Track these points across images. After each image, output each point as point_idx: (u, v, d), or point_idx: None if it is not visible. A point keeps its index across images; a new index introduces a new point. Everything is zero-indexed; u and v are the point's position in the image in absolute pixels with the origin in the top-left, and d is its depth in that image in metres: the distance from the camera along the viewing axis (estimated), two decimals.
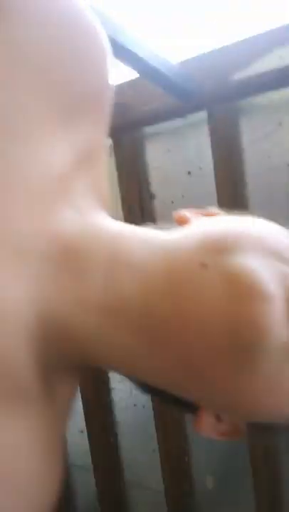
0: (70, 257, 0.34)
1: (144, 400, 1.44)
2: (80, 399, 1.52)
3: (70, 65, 0.37)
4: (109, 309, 0.33)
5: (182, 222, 0.39)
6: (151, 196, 1.38)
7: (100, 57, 0.40)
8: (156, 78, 1.15)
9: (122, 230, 0.37)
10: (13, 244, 0.32)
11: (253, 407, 0.34)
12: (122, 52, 1.03)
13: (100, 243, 0.35)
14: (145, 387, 0.39)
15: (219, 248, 0.33)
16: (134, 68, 1.15)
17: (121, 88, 1.28)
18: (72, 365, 0.37)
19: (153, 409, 1.39)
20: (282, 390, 0.32)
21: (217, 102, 1.21)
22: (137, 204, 1.37)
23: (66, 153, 0.36)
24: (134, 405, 1.51)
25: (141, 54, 1.07)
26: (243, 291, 0.31)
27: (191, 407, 0.37)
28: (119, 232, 0.37)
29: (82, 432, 1.58)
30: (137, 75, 1.22)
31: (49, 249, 0.33)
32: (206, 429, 0.37)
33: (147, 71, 1.12)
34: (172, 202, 1.34)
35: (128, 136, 1.35)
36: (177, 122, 1.29)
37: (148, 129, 1.36)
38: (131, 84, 1.29)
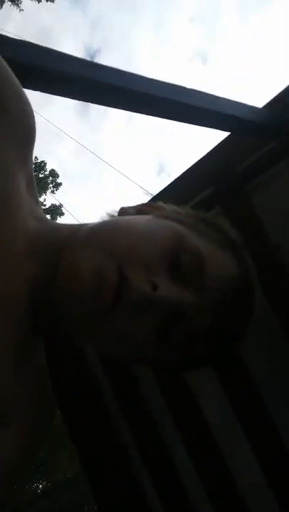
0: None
1: None
2: None
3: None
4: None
5: (119, 214, 0.63)
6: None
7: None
8: (250, 128, 1.10)
9: (54, 223, 0.64)
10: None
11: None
12: (206, 115, 1.03)
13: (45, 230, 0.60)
14: None
15: (83, 241, 0.55)
16: (223, 128, 1.09)
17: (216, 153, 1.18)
18: None
19: None
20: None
21: None
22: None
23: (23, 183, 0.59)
24: None
25: (227, 111, 1.05)
26: (64, 270, 0.52)
27: None
28: (52, 224, 0.63)
29: None
30: (225, 134, 1.14)
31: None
32: None
33: (238, 125, 1.07)
34: None
35: (236, 196, 1.19)
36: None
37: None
38: (224, 145, 1.20)
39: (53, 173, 18.66)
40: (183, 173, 1.27)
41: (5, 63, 0.61)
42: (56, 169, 19.20)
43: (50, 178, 18.60)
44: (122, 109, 1.08)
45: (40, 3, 14.16)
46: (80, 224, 0.63)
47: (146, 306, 0.51)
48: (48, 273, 0.54)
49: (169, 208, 0.66)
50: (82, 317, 0.53)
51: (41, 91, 1.00)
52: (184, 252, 0.54)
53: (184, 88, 1.11)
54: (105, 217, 0.62)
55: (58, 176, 18.81)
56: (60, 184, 18.85)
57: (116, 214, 0.64)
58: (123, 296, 0.50)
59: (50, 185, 18.50)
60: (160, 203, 0.67)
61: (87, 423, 1.14)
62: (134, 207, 0.65)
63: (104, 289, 0.49)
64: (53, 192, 18.46)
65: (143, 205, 0.66)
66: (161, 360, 0.60)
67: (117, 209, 0.64)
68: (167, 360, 0.60)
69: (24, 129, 0.61)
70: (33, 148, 0.63)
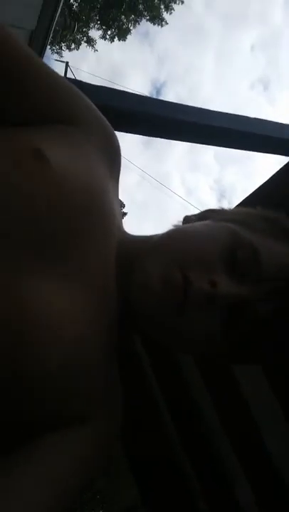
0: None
1: None
2: None
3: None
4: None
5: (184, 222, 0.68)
6: None
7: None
8: None
9: (132, 235, 0.69)
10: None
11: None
12: (270, 142, 1.07)
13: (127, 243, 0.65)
14: None
15: (149, 250, 0.60)
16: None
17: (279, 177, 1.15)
18: None
19: None
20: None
21: None
22: None
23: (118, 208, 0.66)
24: None
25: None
26: (137, 282, 0.57)
27: None
28: (130, 236, 0.68)
29: None
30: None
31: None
32: None
33: None
34: None
35: None
36: None
37: None
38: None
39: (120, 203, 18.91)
40: (246, 198, 1.27)
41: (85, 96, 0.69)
42: (122, 199, 19.54)
43: None
44: (188, 141, 1.12)
45: (113, 43, 15.03)
46: (150, 235, 0.68)
47: (208, 303, 0.54)
48: (127, 280, 0.59)
49: (230, 210, 0.70)
50: (156, 320, 0.58)
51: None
52: (239, 248, 0.57)
53: (248, 118, 1.13)
54: (171, 227, 0.67)
55: (123, 206, 19.16)
56: (126, 214, 19.19)
57: (180, 223, 0.69)
58: (188, 297, 0.53)
59: None
60: (222, 207, 0.71)
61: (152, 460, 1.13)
62: (196, 214, 0.70)
63: (173, 293, 0.54)
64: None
65: (205, 211, 0.70)
66: (235, 351, 0.62)
67: (181, 219, 0.69)
68: (240, 350, 0.62)
69: (114, 153, 0.68)
70: (120, 167, 0.70)
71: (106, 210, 0.61)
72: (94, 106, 0.67)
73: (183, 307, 0.54)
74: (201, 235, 0.61)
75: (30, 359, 0.48)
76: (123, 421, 0.63)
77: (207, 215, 0.68)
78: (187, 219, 0.69)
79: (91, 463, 0.57)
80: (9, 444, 0.50)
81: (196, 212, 0.71)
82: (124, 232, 0.68)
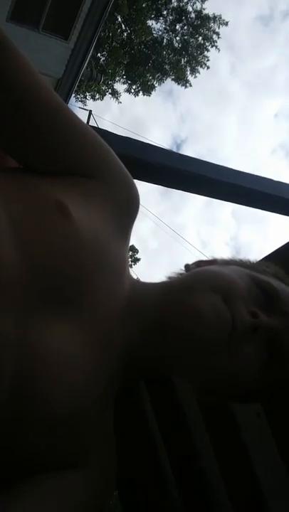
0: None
1: None
2: None
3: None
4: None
5: (186, 270, 0.71)
6: None
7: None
8: None
9: (144, 282, 0.72)
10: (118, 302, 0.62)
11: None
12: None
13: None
14: None
15: (185, 288, 0.64)
16: None
17: None
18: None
19: None
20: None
21: None
22: None
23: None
24: None
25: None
26: (189, 313, 0.59)
27: None
28: (142, 283, 0.71)
29: None
30: None
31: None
32: None
33: None
34: None
35: None
36: None
37: None
38: None
39: (133, 249, 19.38)
40: (262, 259, 1.25)
41: (110, 148, 0.69)
42: (136, 245, 19.95)
43: (130, 253, 19.23)
44: (206, 196, 1.12)
45: (137, 97, 15.73)
46: (166, 281, 0.71)
47: (250, 333, 0.58)
48: (145, 327, 0.62)
49: (221, 259, 0.74)
50: (198, 352, 0.59)
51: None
52: (259, 287, 0.63)
53: (268, 179, 1.13)
54: (180, 273, 0.71)
55: (137, 252, 19.50)
56: (139, 259, 19.47)
57: (183, 270, 0.72)
58: (235, 329, 0.57)
59: (130, 260, 19.08)
60: (212, 258, 0.75)
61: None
62: (194, 262, 0.74)
63: (225, 325, 0.57)
64: (130, 266, 18.99)
65: (199, 261, 0.75)
66: (259, 389, 0.64)
67: (182, 267, 0.73)
68: (264, 388, 0.64)
69: (133, 208, 0.69)
70: (135, 218, 0.70)
71: (117, 263, 0.63)
72: (117, 158, 0.68)
73: (232, 339, 0.57)
74: (229, 274, 0.64)
75: (35, 405, 0.49)
76: (119, 469, 0.63)
77: (203, 263, 0.72)
78: (188, 266, 0.72)
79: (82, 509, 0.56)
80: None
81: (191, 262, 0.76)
82: (134, 280, 0.70)
